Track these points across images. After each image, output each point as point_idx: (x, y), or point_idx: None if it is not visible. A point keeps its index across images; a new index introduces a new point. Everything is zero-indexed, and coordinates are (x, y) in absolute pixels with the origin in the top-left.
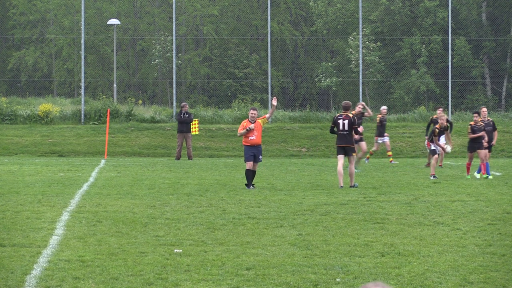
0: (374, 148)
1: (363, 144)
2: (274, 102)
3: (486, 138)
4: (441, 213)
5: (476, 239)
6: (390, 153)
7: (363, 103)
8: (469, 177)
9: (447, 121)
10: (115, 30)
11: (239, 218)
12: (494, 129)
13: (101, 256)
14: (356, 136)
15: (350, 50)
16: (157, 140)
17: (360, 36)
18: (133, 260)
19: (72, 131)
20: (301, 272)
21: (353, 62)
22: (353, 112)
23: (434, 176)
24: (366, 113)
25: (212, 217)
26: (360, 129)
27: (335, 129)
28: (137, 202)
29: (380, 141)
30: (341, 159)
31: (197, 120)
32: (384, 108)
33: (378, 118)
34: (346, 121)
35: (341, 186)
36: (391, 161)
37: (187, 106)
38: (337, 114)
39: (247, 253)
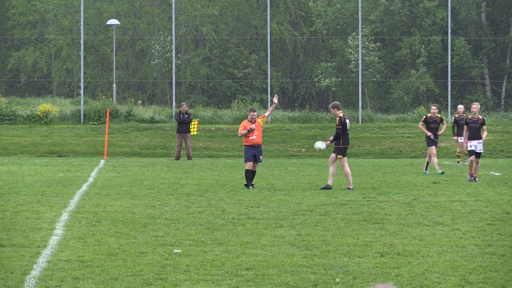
0: (458, 149)
1: (433, 148)
2: (275, 100)
3: None
4: (440, 213)
5: (475, 239)
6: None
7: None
8: None
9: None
10: (115, 30)
11: (239, 218)
12: None
13: (100, 256)
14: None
15: (350, 50)
16: (157, 140)
17: (360, 36)
18: (132, 260)
19: (71, 131)
20: (301, 272)
21: (353, 62)
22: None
23: (474, 179)
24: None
25: (211, 217)
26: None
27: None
28: (136, 202)
29: (460, 141)
30: (346, 160)
31: (197, 120)
32: (461, 107)
33: (454, 118)
34: (348, 120)
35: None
36: (458, 162)
37: (185, 105)
38: (342, 115)
39: (246, 253)
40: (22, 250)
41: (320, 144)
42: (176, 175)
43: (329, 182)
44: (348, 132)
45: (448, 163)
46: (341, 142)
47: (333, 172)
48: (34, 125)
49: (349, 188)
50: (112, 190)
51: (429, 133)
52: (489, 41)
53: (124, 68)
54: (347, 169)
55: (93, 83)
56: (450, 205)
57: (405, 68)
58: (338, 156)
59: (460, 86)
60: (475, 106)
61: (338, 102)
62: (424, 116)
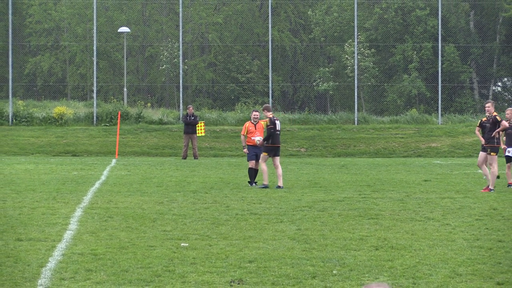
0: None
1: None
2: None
3: None
4: (431, 209)
5: (464, 233)
6: None
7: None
8: None
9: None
10: (126, 37)
11: (242, 214)
12: None
13: (112, 250)
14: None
15: (346, 56)
16: (165, 140)
17: (356, 43)
18: (142, 253)
19: (85, 132)
20: (300, 264)
21: (349, 67)
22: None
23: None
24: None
25: (216, 213)
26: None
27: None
28: (146, 199)
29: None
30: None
31: (203, 122)
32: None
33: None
34: (278, 122)
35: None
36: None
37: (191, 108)
38: (272, 116)
39: (249, 246)
40: (39, 244)
41: (258, 138)
42: (183, 173)
43: (280, 183)
44: (278, 133)
45: (438, 162)
46: (269, 142)
47: (280, 173)
48: (50, 126)
49: (264, 185)
50: (123, 188)
51: (483, 141)
52: (477, 47)
53: (134, 73)
54: (265, 166)
55: (105, 87)
56: (440, 201)
57: (398, 73)
58: (264, 154)
59: (450, 90)
60: (509, 112)
61: (268, 105)
62: (479, 121)
